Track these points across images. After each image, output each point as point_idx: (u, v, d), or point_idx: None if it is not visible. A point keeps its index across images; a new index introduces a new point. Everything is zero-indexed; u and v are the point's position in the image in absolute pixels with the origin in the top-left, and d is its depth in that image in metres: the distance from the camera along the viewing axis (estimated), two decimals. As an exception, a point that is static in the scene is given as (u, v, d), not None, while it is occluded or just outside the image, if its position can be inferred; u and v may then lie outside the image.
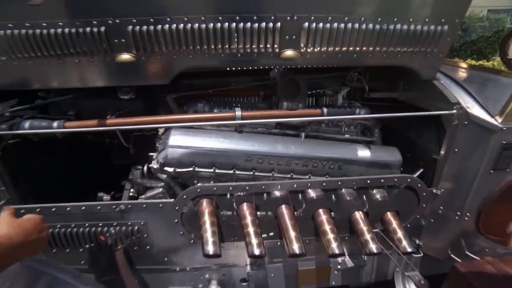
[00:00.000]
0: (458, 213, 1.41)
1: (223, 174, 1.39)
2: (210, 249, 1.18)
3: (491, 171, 1.30)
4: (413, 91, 1.59)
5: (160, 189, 1.46)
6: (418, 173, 1.56)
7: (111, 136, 1.66)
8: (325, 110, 1.42)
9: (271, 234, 1.43)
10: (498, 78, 1.44)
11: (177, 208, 1.34)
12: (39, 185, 1.46)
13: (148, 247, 1.45)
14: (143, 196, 1.48)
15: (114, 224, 1.37)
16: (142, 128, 1.41)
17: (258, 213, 1.37)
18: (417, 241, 1.56)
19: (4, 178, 1.30)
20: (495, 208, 1.38)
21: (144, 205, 1.34)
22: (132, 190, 1.62)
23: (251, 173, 1.39)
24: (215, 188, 1.30)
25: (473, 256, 1.46)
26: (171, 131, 1.37)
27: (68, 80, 1.28)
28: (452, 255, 1.50)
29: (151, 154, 1.41)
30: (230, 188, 1.30)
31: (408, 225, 1.50)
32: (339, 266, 1.61)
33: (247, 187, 1.30)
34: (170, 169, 1.33)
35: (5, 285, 0.98)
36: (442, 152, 1.38)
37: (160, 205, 1.34)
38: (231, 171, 1.38)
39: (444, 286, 1.46)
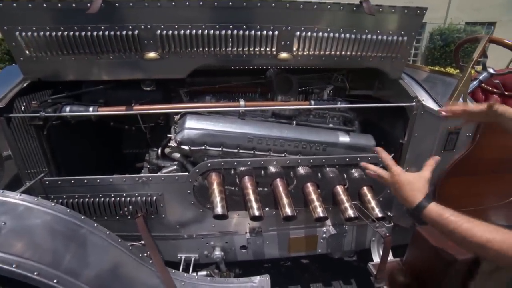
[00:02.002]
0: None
1: (229, 153, 1.67)
2: (219, 210, 1.46)
3: (442, 151, 1.64)
4: (384, 89, 1.93)
5: (175, 166, 1.74)
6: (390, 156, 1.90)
7: (130, 123, 1.93)
8: (312, 102, 1.74)
9: (267, 208, 1.72)
10: (447, 79, 1.80)
11: (190, 180, 1.62)
12: (70, 160, 1.71)
13: (163, 215, 1.71)
14: (160, 172, 1.76)
15: (136, 194, 1.63)
16: (163, 113, 1.69)
17: (258, 188, 1.66)
18: (388, 213, 1.87)
19: (47, 154, 1.56)
20: (447, 182, 1.71)
21: (163, 178, 1.61)
22: (148, 169, 1.90)
23: (252, 152, 1.69)
24: (223, 163, 1.59)
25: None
26: (187, 116, 1.65)
27: (102, 74, 1.55)
28: (415, 223, 1.81)
29: (169, 135, 1.69)
30: (235, 163, 1.59)
31: (381, 199, 1.82)
32: (324, 235, 1.91)
33: (249, 162, 1.60)
34: (186, 147, 1.61)
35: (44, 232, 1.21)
36: (405, 138, 1.72)
37: (176, 177, 1.62)
38: (236, 150, 1.67)
39: (409, 249, 1.77)
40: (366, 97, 2.09)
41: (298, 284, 2.30)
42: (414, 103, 1.64)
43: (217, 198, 1.50)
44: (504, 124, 1.19)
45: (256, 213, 1.49)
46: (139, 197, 1.64)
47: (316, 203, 1.59)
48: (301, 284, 2.29)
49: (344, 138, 1.81)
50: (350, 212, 1.59)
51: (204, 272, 1.92)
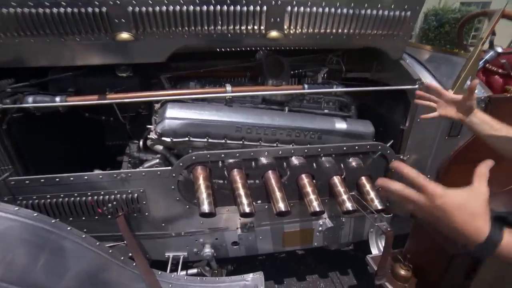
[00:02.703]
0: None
1: (216, 144, 1.53)
2: (206, 208, 1.33)
3: (446, 138, 1.53)
4: (384, 71, 1.79)
5: (157, 160, 1.60)
6: (389, 143, 1.78)
7: (108, 114, 1.76)
8: (306, 85, 1.59)
9: (259, 202, 1.60)
10: (452, 58, 1.66)
11: (174, 175, 1.48)
12: (40, 158, 1.54)
13: (147, 213, 1.58)
14: (141, 167, 1.61)
15: (115, 192, 1.49)
16: (140, 102, 1.53)
17: (248, 181, 1.53)
18: (387, 204, 1.78)
19: (9, 150, 1.39)
20: (450, 169, 1.61)
21: (144, 173, 1.47)
22: (128, 164, 1.75)
23: (241, 142, 1.55)
24: (209, 155, 1.44)
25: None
26: (168, 104, 1.49)
27: (69, 58, 1.37)
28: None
29: (149, 126, 1.53)
30: (223, 155, 1.45)
31: (380, 188, 1.71)
32: (320, 228, 1.81)
33: (238, 154, 1.46)
34: (167, 139, 1.46)
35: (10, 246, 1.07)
36: (407, 123, 1.59)
37: (159, 172, 1.47)
38: (223, 141, 1.53)
39: (409, 241, 1.69)
40: (363, 80, 1.95)
41: (294, 277, 2.24)
42: (416, 85, 1.50)
43: (203, 194, 1.37)
44: (474, 126, 1.13)
45: (247, 209, 1.37)
46: (118, 195, 1.50)
47: (312, 196, 1.47)
48: (297, 277, 2.23)
49: (340, 125, 1.68)
50: (348, 205, 1.48)
51: (194, 270, 1.82)
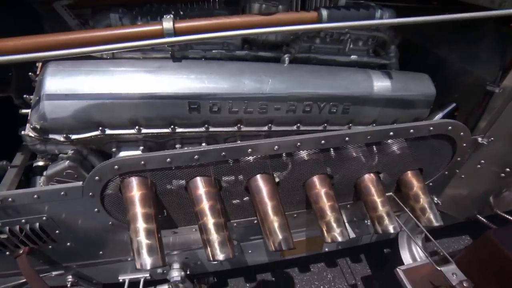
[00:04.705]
0: (507, 169, 1.01)
1: (157, 135, 0.84)
2: (146, 262, 0.74)
3: None
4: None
5: (67, 163, 0.91)
6: (448, 109, 1.10)
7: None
8: (324, 12, 0.80)
9: (243, 218, 1.01)
10: None
11: (91, 194, 0.84)
12: None
13: (68, 243, 1.00)
14: (45, 173, 0.95)
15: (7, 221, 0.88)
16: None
17: (224, 186, 0.90)
18: (435, 199, 1.20)
19: None
20: None
21: (36, 196, 0.83)
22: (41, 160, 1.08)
23: (203, 129, 0.86)
24: (143, 162, 0.77)
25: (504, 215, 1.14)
26: (48, 67, 0.74)
27: None
28: (479, 216, 1.17)
29: (23, 111, 0.81)
30: (168, 160, 0.78)
31: (431, 184, 1.11)
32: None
33: (196, 156, 0.78)
34: (59, 137, 0.77)
35: None
36: (506, 81, 0.87)
37: (62, 192, 0.83)
38: (169, 129, 0.83)
39: (468, 252, 1.18)
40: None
41: (295, 267, 1.83)
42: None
43: (139, 235, 0.76)
44: None
45: (219, 256, 0.78)
46: (6, 226, 0.89)
47: (331, 218, 0.87)
48: (298, 267, 1.82)
49: (382, 85, 0.95)
50: (390, 227, 0.90)
51: (165, 287, 1.37)
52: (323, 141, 0.84)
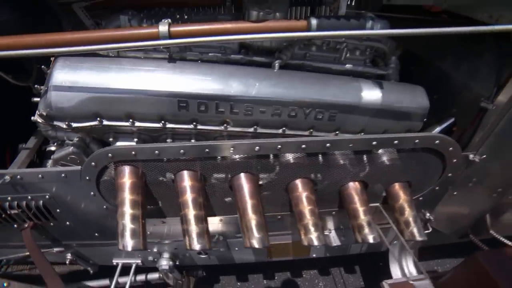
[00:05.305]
0: (499, 189, 0.98)
1: (150, 129, 0.91)
2: (127, 243, 0.81)
3: None
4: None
5: (71, 148, 1.01)
6: (446, 123, 1.08)
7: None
8: (313, 21, 0.84)
9: (224, 217, 1.05)
10: None
11: (87, 178, 0.92)
12: None
13: (68, 222, 1.09)
14: (52, 157, 1.05)
15: (8, 199, 0.98)
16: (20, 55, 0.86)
17: (210, 182, 0.95)
18: (427, 215, 1.17)
19: None
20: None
21: (40, 175, 0.92)
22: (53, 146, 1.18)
23: (191, 126, 0.92)
24: (133, 152, 0.84)
25: (499, 237, 1.10)
26: (57, 62, 0.83)
27: None
28: (472, 236, 1.13)
29: (35, 99, 0.91)
30: (156, 152, 0.84)
31: (420, 198, 1.09)
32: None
33: (182, 151, 0.84)
34: (62, 124, 0.86)
35: None
36: (501, 97, 0.86)
37: (63, 174, 0.92)
38: (160, 124, 0.90)
39: (454, 273, 1.15)
40: (419, 11, 1.15)
41: (287, 271, 1.84)
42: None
43: (125, 218, 0.83)
44: None
45: (195, 246, 0.83)
46: (15, 201, 0.99)
47: (309, 221, 0.89)
48: (291, 272, 1.83)
49: (372, 94, 0.96)
50: (369, 237, 0.91)
51: (156, 275, 1.43)
52: (303, 146, 0.87)
